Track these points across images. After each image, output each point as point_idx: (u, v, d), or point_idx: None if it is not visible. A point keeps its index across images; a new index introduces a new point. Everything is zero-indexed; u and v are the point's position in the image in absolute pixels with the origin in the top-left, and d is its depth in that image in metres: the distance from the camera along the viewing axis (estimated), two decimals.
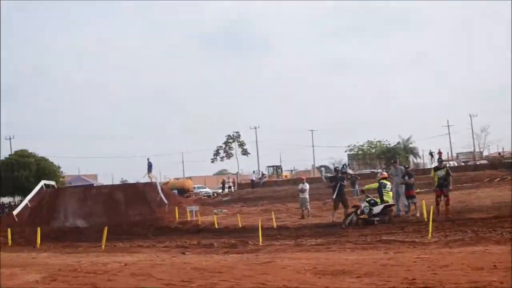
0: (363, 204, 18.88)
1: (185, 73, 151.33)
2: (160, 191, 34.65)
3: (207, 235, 21.10)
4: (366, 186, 20.73)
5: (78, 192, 37.30)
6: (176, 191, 54.16)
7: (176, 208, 29.49)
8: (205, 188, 69.50)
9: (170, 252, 15.94)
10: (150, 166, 39.12)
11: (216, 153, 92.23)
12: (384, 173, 20.75)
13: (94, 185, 56.47)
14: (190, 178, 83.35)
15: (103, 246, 17.86)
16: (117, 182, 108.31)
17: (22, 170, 54.13)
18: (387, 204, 18.77)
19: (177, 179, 79.23)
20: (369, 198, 18.98)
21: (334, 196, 21.32)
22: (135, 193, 35.52)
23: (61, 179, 58.25)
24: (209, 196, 59.43)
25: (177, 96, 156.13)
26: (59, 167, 59.18)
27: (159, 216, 30.05)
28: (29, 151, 58.58)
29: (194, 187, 66.66)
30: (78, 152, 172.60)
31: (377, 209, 18.58)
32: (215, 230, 22.39)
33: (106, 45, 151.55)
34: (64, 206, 34.57)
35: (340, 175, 22.56)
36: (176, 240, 19.78)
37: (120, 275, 11.63)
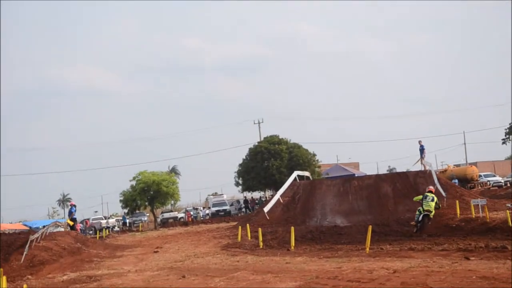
0: (416, 213, 25.79)
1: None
2: (436, 181, 34.15)
3: (498, 235, 20.28)
4: (415, 198, 27.06)
5: (337, 185, 38.34)
6: (456, 180, 53.01)
7: (457, 202, 28.80)
8: (494, 176, 66.89)
9: (450, 256, 15.64)
10: (422, 151, 38.70)
11: (509, 131, 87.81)
12: (431, 187, 26.86)
13: (356, 175, 57.71)
14: (474, 164, 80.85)
15: (367, 249, 18.20)
16: (383, 171, 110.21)
17: (272, 159, 57.45)
18: (425, 213, 24.91)
19: (458, 165, 77.38)
20: (420, 207, 25.41)
21: None
22: (405, 185, 35.49)
23: (317, 169, 60.64)
24: (500, 187, 57.06)
25: (453, 61, 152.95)
26: (314, 155, 61.65)
27: (435, 212, 29.64)
28: (280, 136, 61.89)
29: (480, 175, 64.47)
30: (336, 137, 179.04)
31: (420, 217, 25.10)
32: (509, 229, 21.36)
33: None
34: (321, 202, 35.91)
35: None
36: (457, 241, 19.34)
37: (388, 285, 11.76)
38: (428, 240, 20.91)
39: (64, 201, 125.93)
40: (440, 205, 26.59)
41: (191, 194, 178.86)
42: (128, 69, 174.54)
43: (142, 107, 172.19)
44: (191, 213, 66.56)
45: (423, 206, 25.02)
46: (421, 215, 24.94)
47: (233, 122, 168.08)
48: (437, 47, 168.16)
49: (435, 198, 25.51)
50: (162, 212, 71.32)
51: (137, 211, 64.11)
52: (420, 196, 26.11)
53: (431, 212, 24.95)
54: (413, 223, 25.81)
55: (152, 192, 57.62)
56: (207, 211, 68.79)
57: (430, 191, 25.82)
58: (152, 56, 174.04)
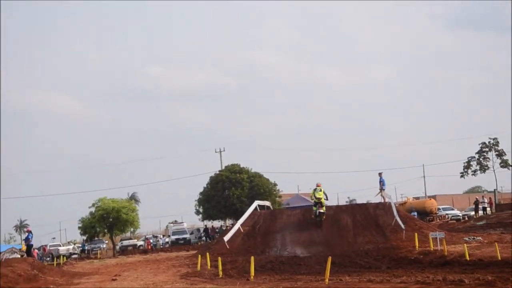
0: (314, 208, 34.22)
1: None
2: (395, 213, 34.39)
3: (455, 268, 20.48)
4: (310, 194, 35.78)
5: (297, 215, 38.36)
6: (415, 213, 53.55)
7: (416, 234, 29.00)
8: (453, 209, 67.78)
9: None
10: (382, 183, 39.02)
11: (467, 165, 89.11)
12: (319, 182, 35.18)
13: None
14: (433, 197, 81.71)
15: (327, 280, 18.22)
16: (342, 202, 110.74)
17: (233, 188, 57.45)
18: (318, 203, 33.57)
19: (417, 198, 78.16)
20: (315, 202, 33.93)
21: None
22: (365, 216, 35.66)
23: (277, 198, 60.78)
24: (458, 220, 57.77)
25: (415, 95, 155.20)
26: (275, 185, 61.81)
27: (394, 245, 29.84)
28: (241, 165, 61.94)
29: (439, 209, 65.23)
30: (297, 167, 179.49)
31: (317, 212, 33.91)
32: (466, 262, 21.61)
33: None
34: (281, 232, 35.87)
35: None
36: (415, 274, 19.48)
37: None
38: (386, 272, 21.03)
39: (21, 227, 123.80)
40: (328, 197, 35.56)
41: (151, 222, 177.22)
42: (87, 94, 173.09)
43: (102, 134, 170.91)
44: (151, 240, 66.03)
45: (315, 195, 33.89)
46: (317, 211, 33.76)
47: (195, 150, 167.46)
48: (398, 79, 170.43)
49: (323, 189, 34.12)
50: (121, 240, 70.62)
51: (96, 238, 63.37)
52: (313, 191, 34.61)
53: (321, 199, 33.68)
54: (312, 216, 34.57)
55: (111, 219, 56.95)
56: (167, 239, 68.33)
57: (318, 186, 34.42)
58: (113, 82, 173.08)
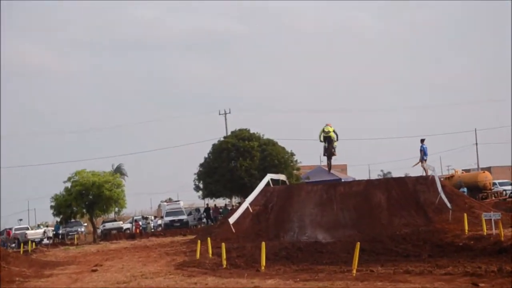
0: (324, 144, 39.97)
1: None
2: (440, 189, 34.37)
3: None
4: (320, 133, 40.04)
5: (319, 191, 38.44)
6: (465, 189, 53.42)
7: (465, 215, 28.99)
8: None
9: (455, 282, 15.78)
10: (424, 151, 38.91)
11: None
12: (328, 122, 40.30)
13: (343, 180, 57.82)
14: (487, 169, 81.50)
15: (354, 271, 18.25)
16: (374, 175, 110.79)
17: (241, 158, 57.37)
18: (328, 137, 39.12)
19: (467, 171, 78.04)
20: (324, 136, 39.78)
21: None
22: (402, 192, 35.68)
23: (295, 171, 60.66)
24: None
25: (463, 43, 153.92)
26: (292, 154, 61.67)
27: (438, 228, 29.88)
28: (251, 131, 61.74)
29: (494, 183, 64.99)
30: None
31: (326, 144, 39.60)
32: None
33: None
34: (299, 212, 35.98)
35: None
36: (464, 264, 19.47)
37: None
38: (428, 261, 21.03)
39: None
40: (338, 137, 40.38)
41: (140, 200, 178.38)
42: (60, 43, 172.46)
43: (80, 92, 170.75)
44: (140, 223, 66.33)
45: (324, 129, 39.23)
46: (326, 142, 39.22)
47: (194, 112, 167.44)
48: (444, 24, 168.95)
49: (332, 128, 39.47)
50: (103, 222, 71.01)
51: (73, 220, 63.57)
52: (322, 128, 39.59)
53: (330, 132, 39.01)
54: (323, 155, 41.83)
55: (91, 197, 57.01)
56: (159, 221, 68.70)
57: (328, 125, 39.67)
58: (91, 28, 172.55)
